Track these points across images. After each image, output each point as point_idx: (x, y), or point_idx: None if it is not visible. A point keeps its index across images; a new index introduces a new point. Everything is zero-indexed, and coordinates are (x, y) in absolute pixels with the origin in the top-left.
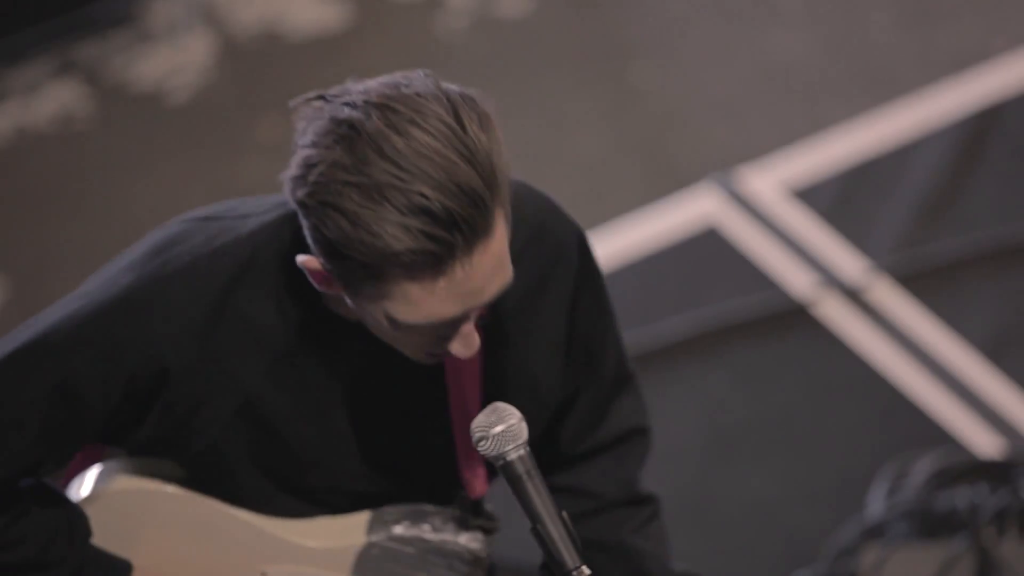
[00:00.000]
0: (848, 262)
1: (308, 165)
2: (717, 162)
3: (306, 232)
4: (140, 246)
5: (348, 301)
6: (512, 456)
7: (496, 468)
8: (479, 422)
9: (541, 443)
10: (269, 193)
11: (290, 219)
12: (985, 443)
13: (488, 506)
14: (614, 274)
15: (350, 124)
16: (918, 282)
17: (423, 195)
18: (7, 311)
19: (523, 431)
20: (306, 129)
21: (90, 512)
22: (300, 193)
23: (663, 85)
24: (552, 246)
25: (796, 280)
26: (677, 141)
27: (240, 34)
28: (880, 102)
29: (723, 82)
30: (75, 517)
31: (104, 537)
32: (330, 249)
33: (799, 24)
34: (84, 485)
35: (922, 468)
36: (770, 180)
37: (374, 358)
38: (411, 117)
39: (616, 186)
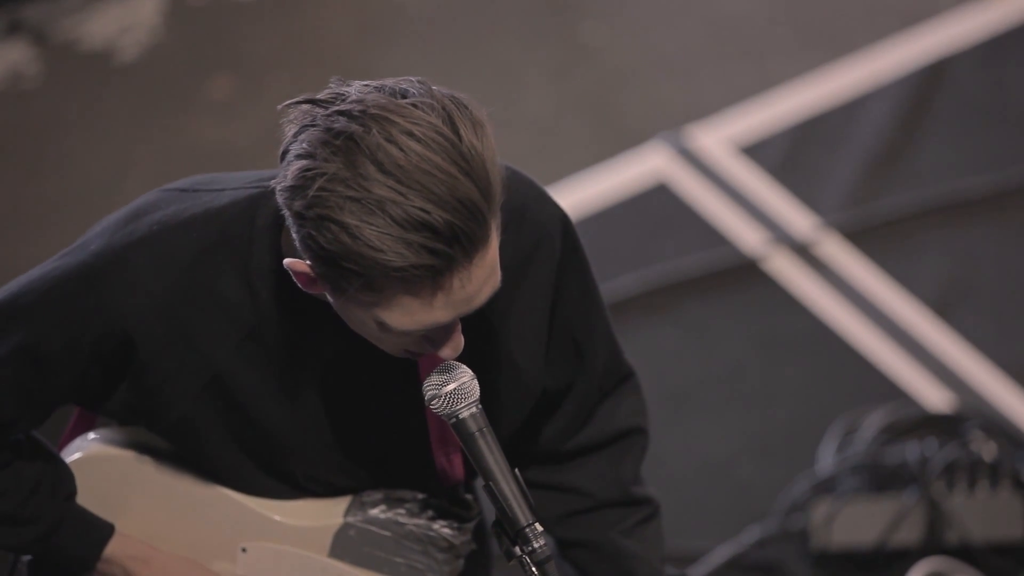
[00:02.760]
0: (797, 218)
1: (306, 177)
2: (667, 120)
3: (296, 240)
4: (118, 212)
5: (332, 301)
6: (464, 414)
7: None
8: (431, 381)
9: (530, 438)
10: (220, 149)
11: (264, 197)
12: (934, 397)
13: (467, 496)
14: None
15: (348, 136)
16: (867, 238)
17: (423, 210)
18: None
19: (475, 389)
20: (298, 136)
21: (77, 476)
22: (298, 205)
23: (613, 44)
24: (533, 230)
25: (746, 235)
26: (627, 99)
27: None
28: (828, 59)
29: (672, 40)
30: (61, 474)
31: (89, 501)
32: (326, 259)
33: None
34: (74, 449)
35: (872, 423)
36: (719, 137)
37: (345, 341)
38: (408, 129)
39: (566, 144)
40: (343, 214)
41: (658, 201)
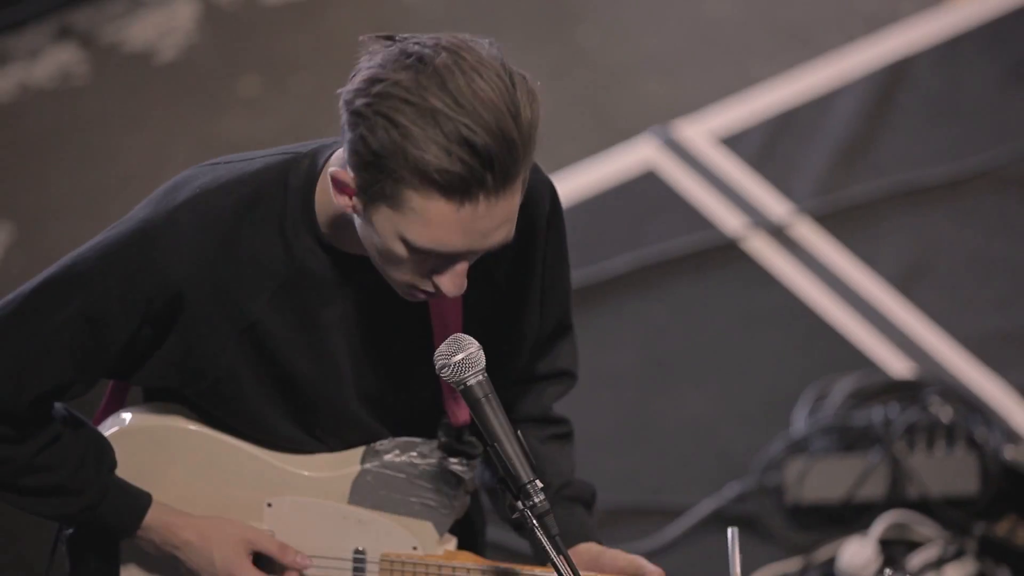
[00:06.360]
0: (773, 203)
1: (372, 80)
2: (655, 115)
3: (347, 144)
4: (158, 188)
5: (359, 220)
6: (471, 382)
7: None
8: (441, 351)
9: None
10: (249, 142)
11: (296, 161)
12: (897, 366)
13: (471, 437)
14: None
15: (419, 57)
16: (836, 221)
17: (471, 128)
18: (12, 253)
19: (481, 359)
20: (373, 56)
21: (115, 448)
22: (359, 103)
23: (606, 46)
24: (528, 194)
25: (727, 219)
26: (618, 96)
27: None
28: (801, 59)
29: (660, 42)
30: (103, 447)
31: (126, 472)
32: (372, 158)
33: None
34: (109, 425)
35: (841, 388)
36: (702, 129)
37: (369, 294)
38: (475, 66)
39: (564, 138)
40: (397, 114)
41: (647, 188)
